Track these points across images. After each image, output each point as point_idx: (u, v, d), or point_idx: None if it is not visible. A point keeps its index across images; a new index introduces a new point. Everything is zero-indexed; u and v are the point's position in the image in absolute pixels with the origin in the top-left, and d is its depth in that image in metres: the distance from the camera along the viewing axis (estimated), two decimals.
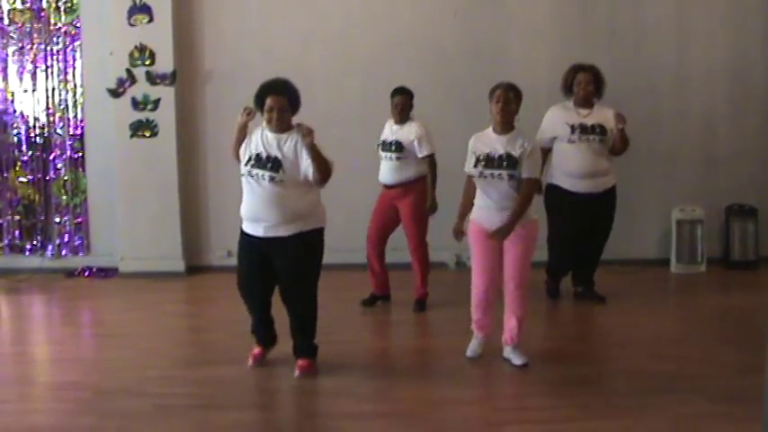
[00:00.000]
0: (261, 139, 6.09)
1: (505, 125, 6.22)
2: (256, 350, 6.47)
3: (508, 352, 6.43)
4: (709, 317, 7.72)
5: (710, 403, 5.63)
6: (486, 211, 6.26)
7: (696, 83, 9.53)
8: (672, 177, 9.57)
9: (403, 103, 7.68)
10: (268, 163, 5.99)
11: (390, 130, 7.75)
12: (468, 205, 6.43)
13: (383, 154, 7.74)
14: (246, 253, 6.21)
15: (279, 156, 5.99)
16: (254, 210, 6.04)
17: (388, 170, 7.72)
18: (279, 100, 6.01)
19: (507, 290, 6.33)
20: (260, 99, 6.08)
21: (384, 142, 7.74)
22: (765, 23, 9.41)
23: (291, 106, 6.08)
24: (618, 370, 6.38)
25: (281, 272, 6.14)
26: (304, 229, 6.06)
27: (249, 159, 6.05)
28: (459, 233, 6.42)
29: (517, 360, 6.35)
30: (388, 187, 7.78)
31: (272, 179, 5.96)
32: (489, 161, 6.18)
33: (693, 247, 9.35)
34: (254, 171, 6.01)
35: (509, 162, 6.14)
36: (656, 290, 8.80)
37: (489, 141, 6.25)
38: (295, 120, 6.11)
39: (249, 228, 6.12)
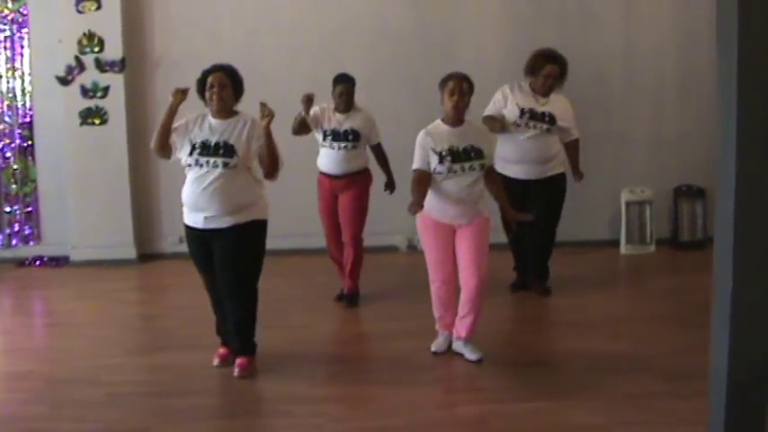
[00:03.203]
0: (205, 126, 5.91)
1: (459, 117, 6.08)
2: (222, 350, 6.24)
3: (460, 347, 6.26)
4: (658, 297, 7.85)
5: (659, 381, 5.73)
6: (444, 204, 6.05)
7: (644, 66, 9.62)
8: (621, 159, 9.65)
9: (348, 91, 7.42)
10: (219, 149, 5.81)
11: (336, 120, 7.44)
12: (425, 192, 6.02)
13: (333, 144, 7.41)
14: (193, 246, 6.05)
15: (229, 140, 5.84)
16: (195, 199, 5.86)
17: (338, 160, 7.43)
18: (219, 76, 5.89)
19: (468, 287, 6.11)
20: (201, 83, 5.95)
21: (335, 132, 7.41)
22: (712, 6, 9.50)
23: (234, 86, 5.94)
24: (568, 350, 6.48)
25: (218, 265, 5.94)
26: (242, 220, 5.87)
27: (193, 148, 5.85)
28: (418, 205, 5.87)
29: (471, 355, 6.17)
30: (333, 178, 7.50)
31: (225, 165, 5.79)
32: (456, 155, 5.99)
33: (643, 229, 9.47)
34: (203, 159, 5.82)
35: (476, 153, 6.02)
36: (607, 271, 8.90)
37: (445, 135, 6.05)
38: (239, 106, 6.03)
39: (190, 219, 5.96)
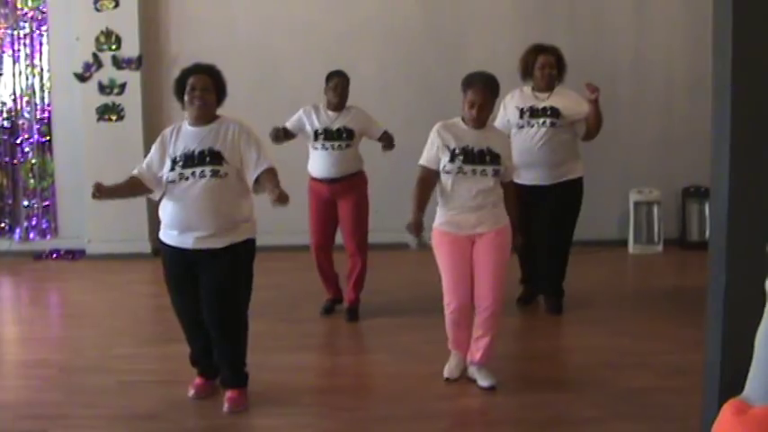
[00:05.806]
0: (183, 136, 5.29)
1: (479, 126, 5.57)
2: (198, 380, 5.67)
3: (474, 372, 5.72)
4: (663, 296, 7.92)
5: (657, 377, 5.79)
6: (460, 213, 5.54)
7: (653, 67, 9.70)
8: (629, 160, 9.74)
9: (341, 84, 7.00)
10: (206, 157, 5.16)
11: (327, 118, 7.01)
12: (426, 199, 5.63)
13: (325, 144, 6.94)
14: (173, 267, 5.36)
15: (214, 147, 5.19)
16: (184, 218, 5.19)
17: (331, 162, 6.96)
18: (201, 78, 5.25)
19: (481, 306, 5.57)
20: (181, 83, 5.32)
21: (327, 130, 6.96)
22: None
23: (216, 89, 5.32)
24: (570, 345, 6.61)
25: (209, 291, 5.24)
26: (237, 239, 5.25)
27: (174, 162, 5.20)
28: (419, 226, 5.47)
29: (484, 381, 5.65)
30: (331, 182, 7.02)
31: (214, 174, 5.13)
32: (468, 155, 5.50)
33: (650, 229, 9.57)
34: (188, 171, 5.15)
35: (492, 157, 5.52)
36: (614, 270, 9.01)
37: (462, 134, 5.56)
38: (221, 111, 5.41)
39: (174, 239, 5.26)
